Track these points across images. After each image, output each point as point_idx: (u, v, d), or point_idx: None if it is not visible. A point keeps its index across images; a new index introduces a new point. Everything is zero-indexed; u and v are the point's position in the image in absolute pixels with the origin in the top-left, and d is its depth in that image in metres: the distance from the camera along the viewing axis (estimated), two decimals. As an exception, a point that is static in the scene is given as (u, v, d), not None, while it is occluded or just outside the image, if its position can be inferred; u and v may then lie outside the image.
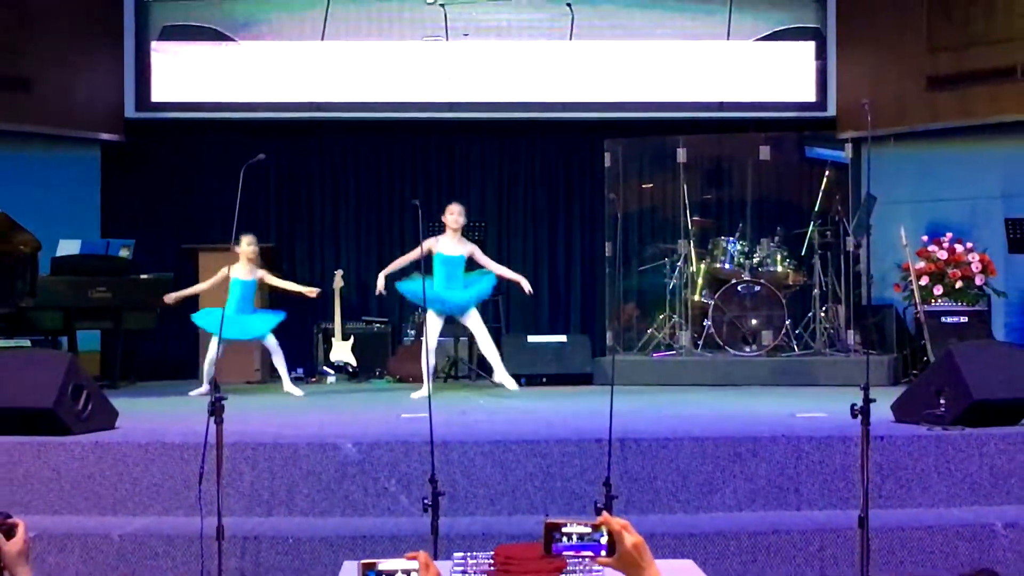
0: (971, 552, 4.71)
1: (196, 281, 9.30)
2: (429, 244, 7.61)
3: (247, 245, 8.13)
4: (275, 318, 8.18)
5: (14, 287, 7.52)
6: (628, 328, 9.89)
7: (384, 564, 2.24)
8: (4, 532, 2.53)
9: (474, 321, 7.85)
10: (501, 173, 10.73)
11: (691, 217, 9.51)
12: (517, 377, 8.71)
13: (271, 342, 8.11)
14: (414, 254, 7.67)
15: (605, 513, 2.26)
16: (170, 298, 8.22)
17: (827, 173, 9.45)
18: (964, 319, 8.89)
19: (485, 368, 9.39)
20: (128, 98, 10.13)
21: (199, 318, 8.18)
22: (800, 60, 10.33)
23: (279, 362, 8.15)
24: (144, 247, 9.68)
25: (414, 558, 2.23)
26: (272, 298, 9.00)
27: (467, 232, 9.15)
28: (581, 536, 2.20)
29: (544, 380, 8.81)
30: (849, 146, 9.68)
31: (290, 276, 10.36)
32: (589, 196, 10.54)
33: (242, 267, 8.14)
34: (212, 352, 7.84)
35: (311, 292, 8.33)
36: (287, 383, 8.12)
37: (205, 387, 8.02)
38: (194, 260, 9.45)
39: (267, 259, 9.53)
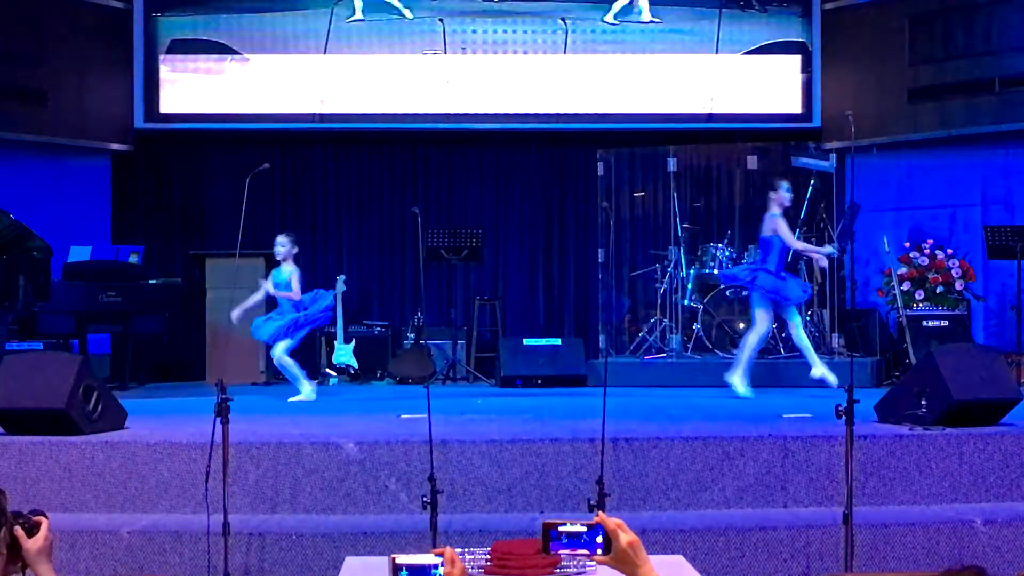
0: (951, 548, 4.77)
1: (204, 287, 9.48)
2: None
3: (280, 247, 7.90)
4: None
5: (27, 292, 7.45)
6: (620, 331, 9.98)
7: (412, 559, 2.25)
8: (26, 529, 2.52)
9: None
10: (498, 182, 10.85)
11: (681, 224, 9.58)
12: (513, 379, 8.96)
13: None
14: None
15: (601, 513, 2.32)
16: (236, 316, 7.87)
17: (812, 182, 9.52)
18: (944, 323, 8.98)
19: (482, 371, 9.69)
20: (137, 109, 10.23)
21: (255, 330, 7.86)
22: (786, 73, 10.44)
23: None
24: (152, 253, 9.80)
25: (440, 553, 2.25)
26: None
27: (464, 239, 9.45)
28: (577, 535, 2.25)
29: (539, 382, 8.85)
30: (833, 156, 9.79)
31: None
32: (583, 204, 10.59)
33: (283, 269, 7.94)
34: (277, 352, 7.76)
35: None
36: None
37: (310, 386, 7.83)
38: (201, 266, 9.57)
39: (271, 266, 9.75)
